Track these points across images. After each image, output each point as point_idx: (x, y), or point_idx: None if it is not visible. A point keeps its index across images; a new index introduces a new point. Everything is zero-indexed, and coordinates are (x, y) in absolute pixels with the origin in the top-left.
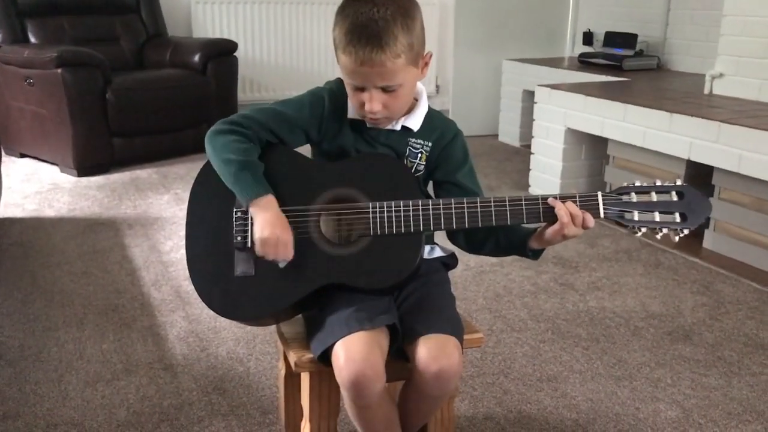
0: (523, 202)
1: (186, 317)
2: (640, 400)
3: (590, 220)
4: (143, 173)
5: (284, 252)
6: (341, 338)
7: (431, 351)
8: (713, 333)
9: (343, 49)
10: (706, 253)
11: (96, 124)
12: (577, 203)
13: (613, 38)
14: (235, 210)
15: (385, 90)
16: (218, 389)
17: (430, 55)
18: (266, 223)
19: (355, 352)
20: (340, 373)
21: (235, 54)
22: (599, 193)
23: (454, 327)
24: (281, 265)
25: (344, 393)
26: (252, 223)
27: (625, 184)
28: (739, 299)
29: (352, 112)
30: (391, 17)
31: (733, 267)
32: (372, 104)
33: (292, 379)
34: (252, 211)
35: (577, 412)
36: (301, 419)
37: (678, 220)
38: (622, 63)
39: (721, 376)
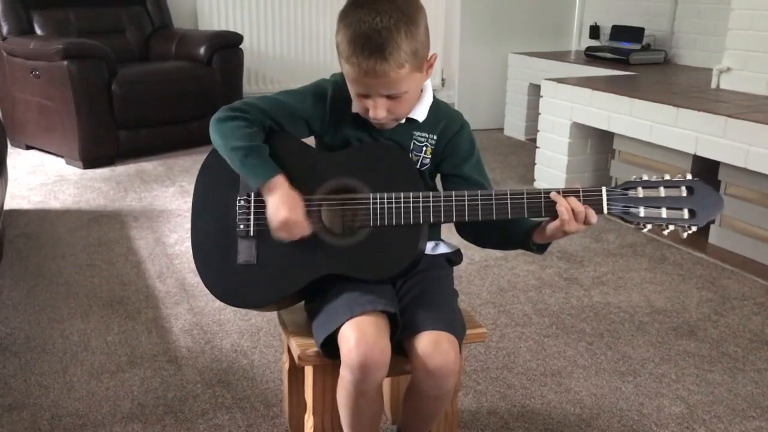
0: (525, 197)
1: (190, 310)
2: (645, 396)
3: (592, 217)
4: (149, 165)
5: (298, 231)
6: (345, 321)
7: (426, 348)
8: (718, 329)
9: (346, 59)
10: (711, 249)
11: (101, 116)
12: (581, 198)
13: (620, 32)
14: (238, 198)
15: (389, 97)
16: (222, 382)
17: (435, 57)
18: (276, 206)
19: (367, 335)
20: (349, 353)
21: (240, 46)
22: (604, 189)
23: (451, 324)
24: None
25: (348, 375)
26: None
27: (633, 178)
28: (745, 295)
29: (356, 106)
30: (395, 25)
31: (739, 263)
32: (377, 111)
33: (295, 372)
34: (263, 195)
35: (581, 407)
36: (305, 412)
37: (686, 216)
38: (629, 57)
39: (726, 372)
